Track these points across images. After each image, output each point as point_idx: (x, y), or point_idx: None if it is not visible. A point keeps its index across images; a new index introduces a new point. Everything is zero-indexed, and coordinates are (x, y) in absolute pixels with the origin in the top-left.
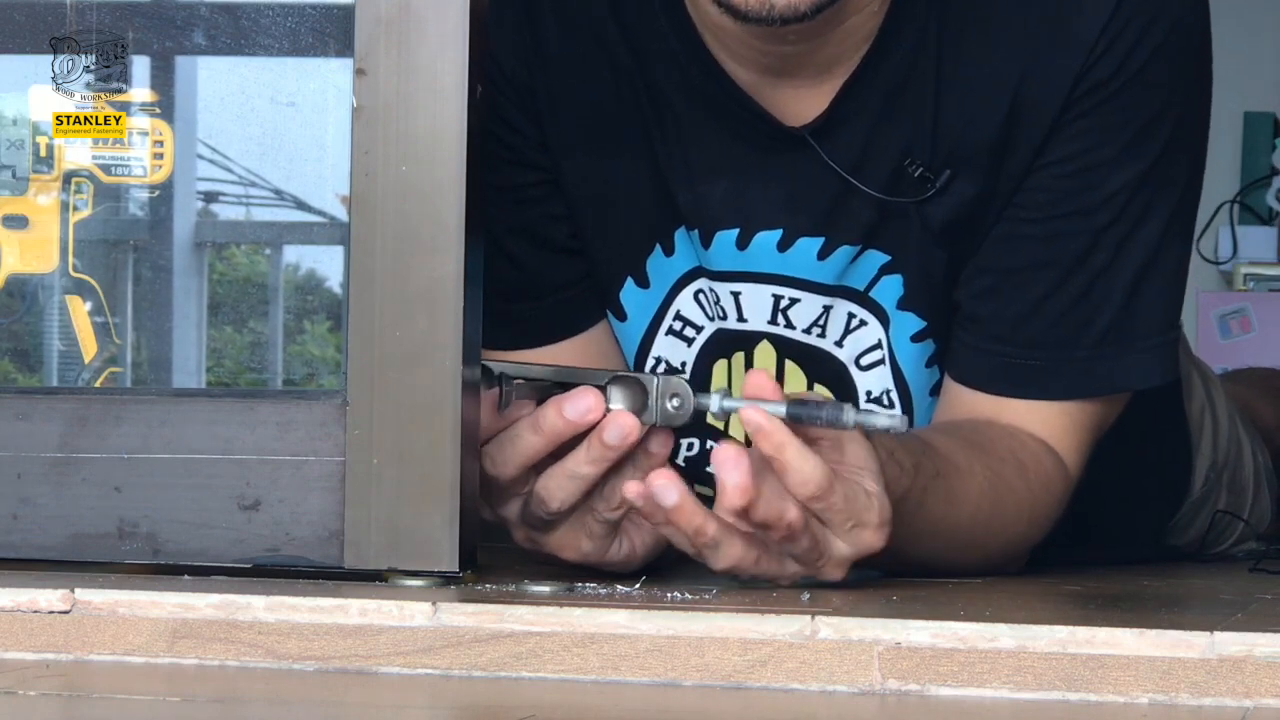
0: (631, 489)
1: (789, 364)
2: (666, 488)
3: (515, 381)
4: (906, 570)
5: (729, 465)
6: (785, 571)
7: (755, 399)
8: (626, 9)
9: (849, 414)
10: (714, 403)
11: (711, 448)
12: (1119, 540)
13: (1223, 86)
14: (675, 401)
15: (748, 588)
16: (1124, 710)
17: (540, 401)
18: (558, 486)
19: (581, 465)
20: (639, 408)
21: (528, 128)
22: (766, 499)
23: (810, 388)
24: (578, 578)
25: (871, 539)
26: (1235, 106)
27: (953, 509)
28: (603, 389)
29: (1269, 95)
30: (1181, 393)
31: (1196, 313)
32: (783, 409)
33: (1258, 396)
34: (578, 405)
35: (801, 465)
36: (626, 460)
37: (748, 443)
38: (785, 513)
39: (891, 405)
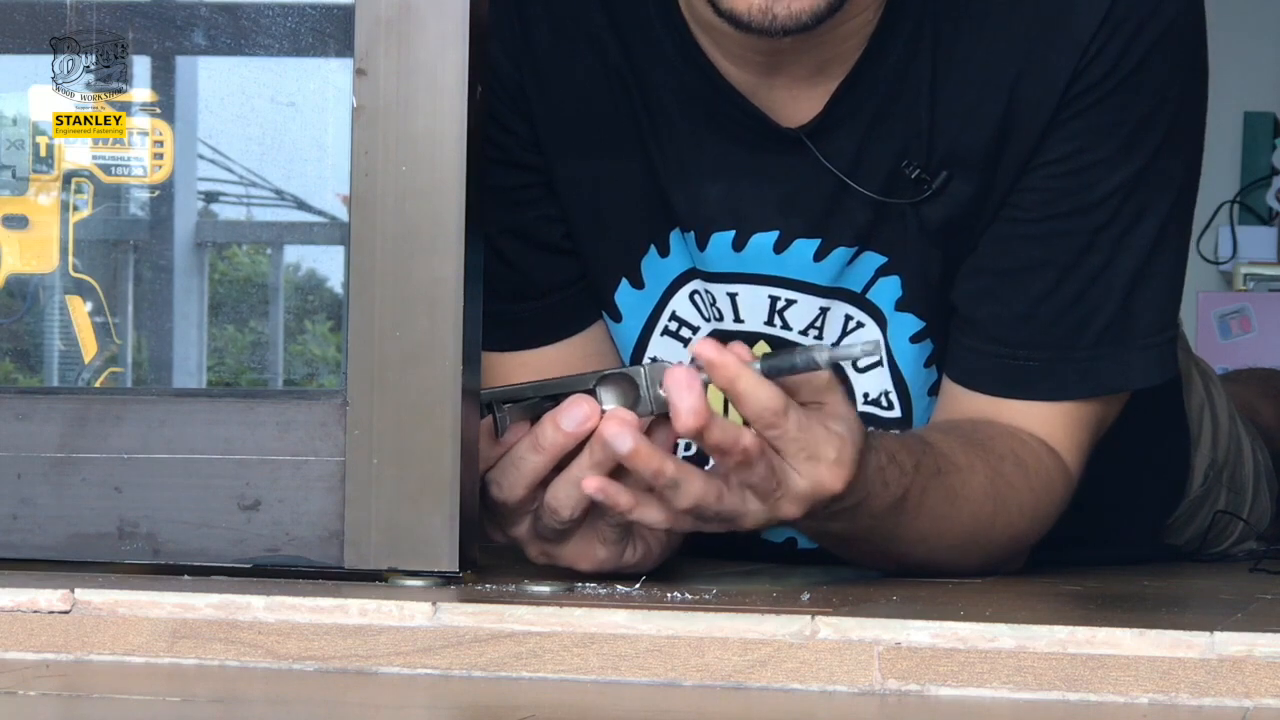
0: (589, 484)
1: None
2: (619, 435)
3: (505, 406)
4: (908, 570)
5: (682, 388)
6: (746, 509)
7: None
8: (620, 10)
9: (822, 353)
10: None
11: None
12: (1119, 540)
13: (1223, 86)
14: None
15: (746, 587)
16: (1124, 710)
17: (534, 420)
18: (566, 495)
19: (587, 471)
20: (631, 402)
21: (520, 128)
22: (721, 422)
23: None
24: (578, 577)
25: (827, 475)
26: (1235, 106)
27: (954, 507)
28: (592, 392)
29: (1269, 95)
30: (1181, 391)
31: (1196, 313)
32: (758, 365)
33: (1258, 396)
34: (573, 416)
35: (757, 391)
36: None
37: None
38: (741, 436)
39: (890, 406)
